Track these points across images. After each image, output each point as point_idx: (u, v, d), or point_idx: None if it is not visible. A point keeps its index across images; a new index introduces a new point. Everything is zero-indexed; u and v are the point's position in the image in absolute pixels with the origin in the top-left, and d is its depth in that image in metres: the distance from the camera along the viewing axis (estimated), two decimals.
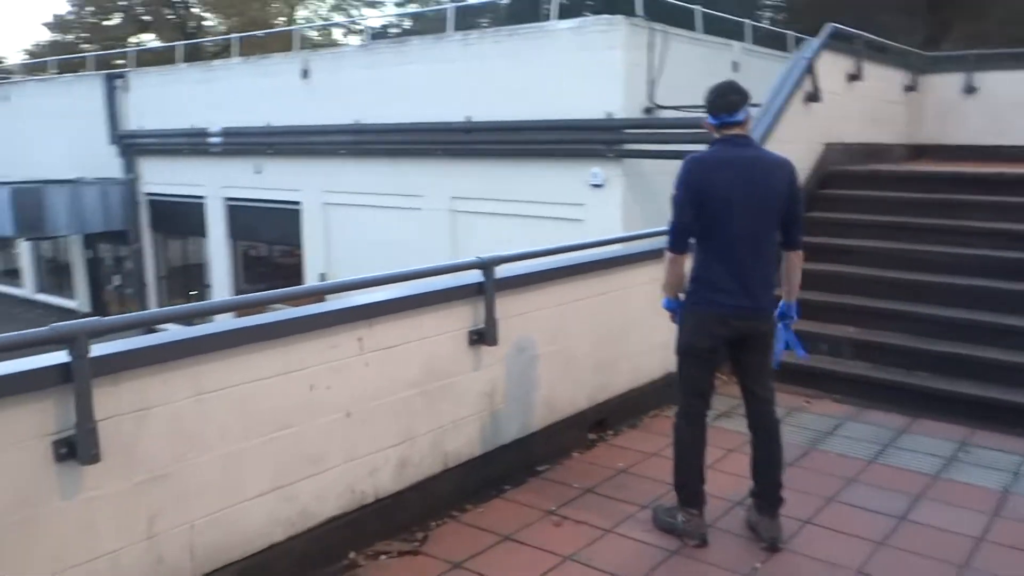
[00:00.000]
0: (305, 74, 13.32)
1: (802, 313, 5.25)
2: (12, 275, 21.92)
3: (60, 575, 2.34)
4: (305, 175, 13.26)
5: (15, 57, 42.67)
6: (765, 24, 27.11)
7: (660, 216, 6.85)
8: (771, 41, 16.85)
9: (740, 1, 30.17)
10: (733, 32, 13.58)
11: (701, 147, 7.06)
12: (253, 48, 20.88)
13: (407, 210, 11.91)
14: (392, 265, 3.81)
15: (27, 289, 20.87)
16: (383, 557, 3.15)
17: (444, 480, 3.61)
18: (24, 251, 20.64)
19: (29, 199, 15.85)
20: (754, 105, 7.09)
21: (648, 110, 10.09)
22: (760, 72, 10.60)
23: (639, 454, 4.20)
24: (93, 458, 2.37)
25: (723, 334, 3.21)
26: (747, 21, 14.37)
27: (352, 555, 3.13)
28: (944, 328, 5.38)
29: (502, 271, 3.83)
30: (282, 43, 20.02)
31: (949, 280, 5.73)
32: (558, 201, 10.36)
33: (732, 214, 3.10)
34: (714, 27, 13.28)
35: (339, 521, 3.13)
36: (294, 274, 13.61)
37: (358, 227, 12.53)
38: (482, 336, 3.71)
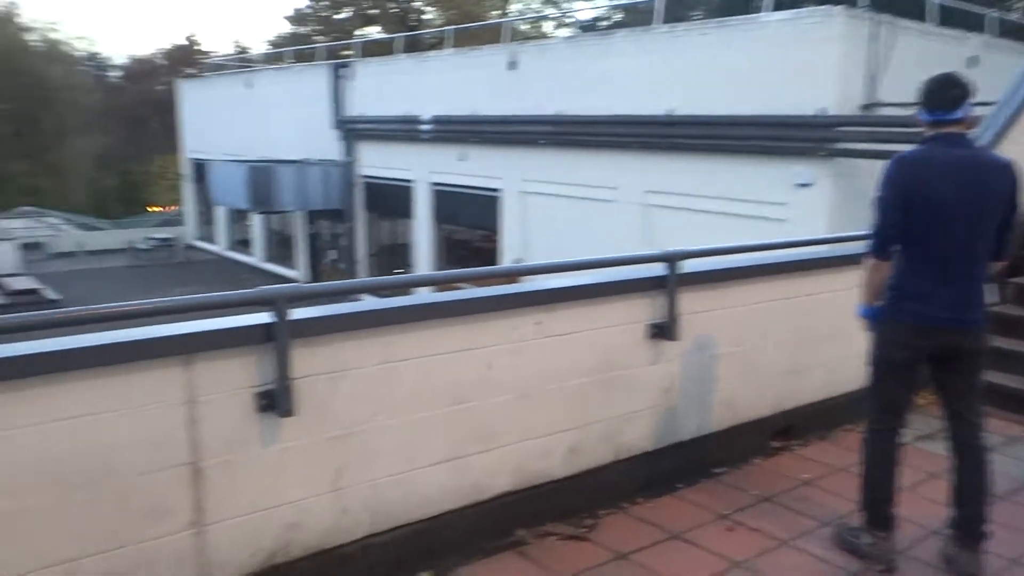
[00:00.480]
0: (511, 65, 13.68)
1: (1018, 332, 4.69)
2: (244, 245, 24.38)
3: (253, 515, 2.59)
4: (506, 163, 13.65)
5: (259, 47, 47.27)
6: (1015, 16, 24.44)
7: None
8: (1018, 34, 15.16)
9: None
10: (973, 24, 12.36)
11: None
12: (467, 40, 21.77)
13: (601, 202, 11.94)
14: (582, 255, 3.84)
15: (256, 258, 23.13)
16: (551, 538, 3.20)
17: (615, 471, 3.59)
18: (256, 224, 22.88)
19: (262, 177, 17.53)
20: (986, 103, 6.44)
21: (867, 107, 9.44)
22: (1002, 69, 9.57)
23: (826, 467, 3.96)
24: (288, 412, 2.59)
25: (924, 348, 2.95)
26: (990, 12, 13.02)
27: (520, 532, 3.20)
28: None
29: (688, 266, 3.74)
30: (493, 36, 20.69)
31: None
32: (759, 200, 9.96)
33: (943, 219, 2.84)
34: (954, 19, 12.14)
35: (509, 498, 3.21)
36: (490, 258, 14.09)
37: (553, 216, 12.73)
38: (662, 330, 3.65)
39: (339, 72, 17.96)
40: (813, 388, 4.43)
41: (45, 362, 2.20)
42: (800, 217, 9.43)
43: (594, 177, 12.05)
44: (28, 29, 45.41)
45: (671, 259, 3.64)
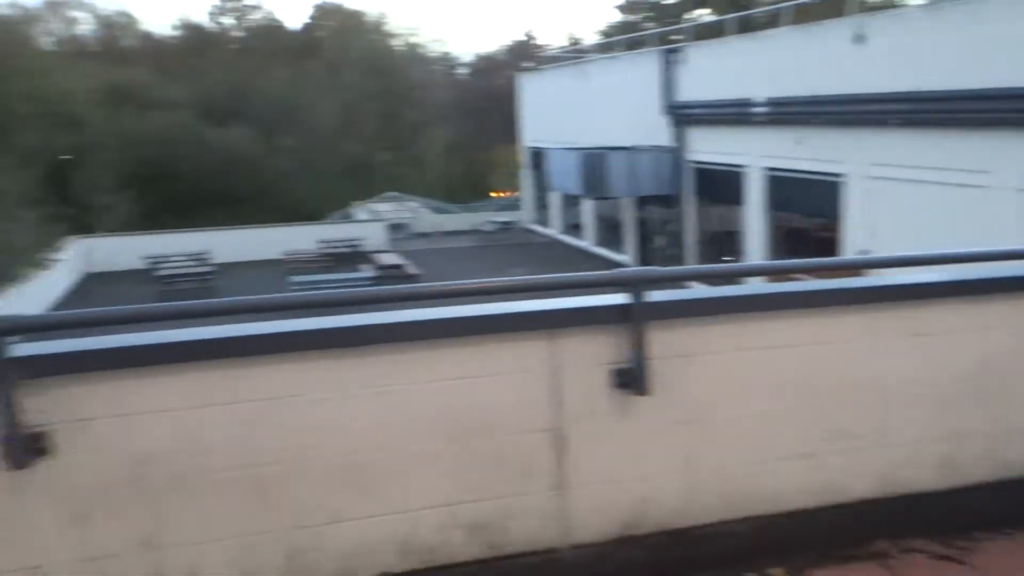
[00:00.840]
0: (858, 39, 12.61)
1: None
2: (576, 229, 25.55)
3: (609, 484, 2.69)
4: (850, 146, 12.65)
5: (591, 38, 48.89)
6: None
7: None
8: None
9: None
10: None
11: None
12: (804, 17, 20.47)
13: (968, 187, 10.56)
14: (944, 248, 3.43)
15: (587, 242, 24.13)
16: (918, 555, 2.91)
17: (999, 491, 3.15)
18: (586, 209, 23.83)
19: (594, 163, 18.17)
20: None
21: None
22: None
23: None
24: (643, 391, 2.64)
25: None
26: None
27: (883, 544, 2.96)
28: None
29: None
30: (832, 11, 19.27)
31: None
32: None
33: None
34: None
35: (870, 505, 2.98)
36: (829, 249, 13.21)
37: (907, 204, 11.55)
38: None
39: (669, 58, 17.96)
40: None
41: (431, 328, 2.49)
42: None
43: (960, 160, 10.68)
44: (393, 35, 51.83)
45: None
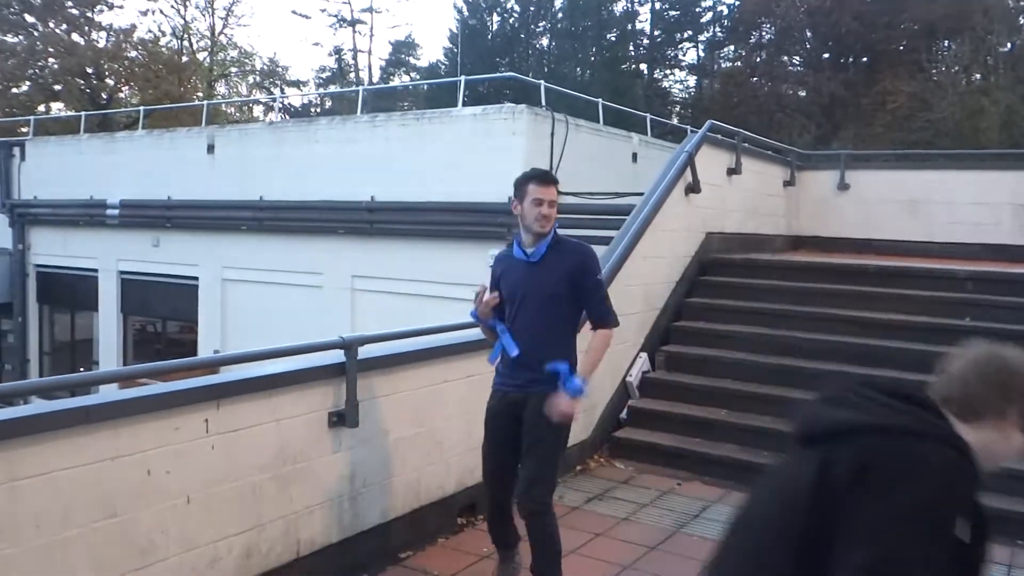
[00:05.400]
0: (210, 149, 13.22)
1: (671, 395, 5.37)
2: None
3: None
4: (204, 250, 13.00)
5: None
6: (674, 120, 28.60)
7: None
8: (674, 135, 17.68)
9: (651, 98, 31.83)
10: (636, 125, 14.21)
11: (601, 232, 7.30)
12: (168, 122, 20.65)
13: (308, 287, 11.78)
14: (287, 343, 3.74)
15: None
16: None
17: (296, 569, 3.47)
18: None
19: None
20: (638, 194, 7.38)
21: None
22: (658, 163, 11.10)
23: None
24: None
25: None
26: (647, 115, 15.07)
27: None
28: None
29: (368, 351, 3.81)
30: (196, 119, 19.92)
31: (817, 365, 5.96)
32: (458, 282, 10.41)
33: None
34: (619, 120, 13.87)
35: None
36: (190, 351, 13.18)
37: (257, 304, 12.29)
38: (342, 418, 3.65)
39: (9, 151, 16.13)
40: None
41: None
42: None
43: (300, 263, 11.88)
44: None
45: (349, 345, 3.68)
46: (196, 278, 13.12)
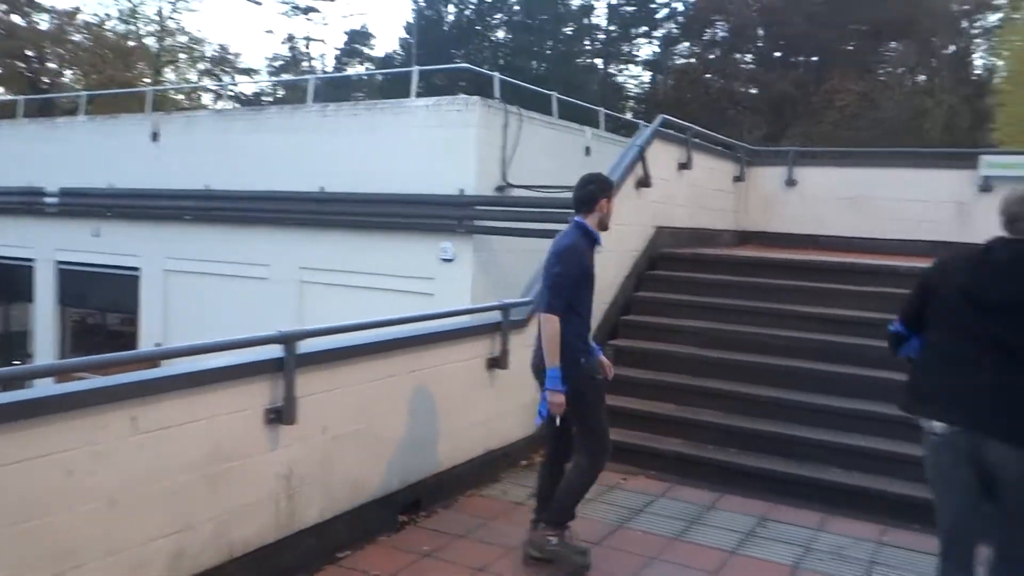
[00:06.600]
0: (155, 136, 12.86)
1: (619, 390, 5.34)
2: None
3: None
4: (147, 240, 12.65)
5: None
6: (628, 115, 28.78)
7: (509, 290, 6.93)
8: (627, 129, 17.75)
9: (606, 92, 32.00)
10: (590, 119, 14.20)
11: (552, 226, 7.25)
12: (113, 108, 20.01)
13: (254, 279, 11.54)
14: (231, 336, 3.61)
15: None
16: None
17: (229, 571, 3.36)
18: None
19: None
20: None
21: (500, 188, 10.30)
22: (611, 157, 11.10)
23: (447, 536, 4.08)
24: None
25: None
26: (601, 109, 15.07)
27: None
28: (756, 406, 5.62)
29: (307, 345, 3.70)
30: (141, 106, 19.38)
31: (763, 360, 6.02)
32: (408, 275, 10.31)
33: None
34: (573, 114, 13.84)
35: None
36: (130, 343, 12.81)
37: (200, 296, 12.00)
38: (280, 414, 3.54)
39: None
40: (438, 460, 4.58)
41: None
42: (446, 290, 9.91)
43: (247, 254, 11.62)
44: None
45: (287, 340, 3.58)
46: (138, 269, 12.76)
